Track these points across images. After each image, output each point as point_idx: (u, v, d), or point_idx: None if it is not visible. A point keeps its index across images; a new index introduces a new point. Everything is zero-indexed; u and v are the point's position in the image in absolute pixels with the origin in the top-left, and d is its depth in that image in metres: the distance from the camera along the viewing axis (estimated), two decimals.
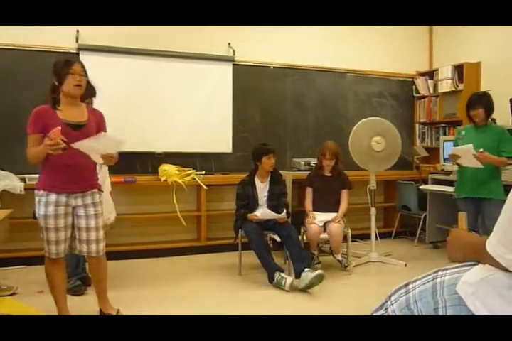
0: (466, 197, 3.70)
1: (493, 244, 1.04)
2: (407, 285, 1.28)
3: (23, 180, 3.84)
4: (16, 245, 3.94)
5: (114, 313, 2.83)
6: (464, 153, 3.53)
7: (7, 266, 3.91)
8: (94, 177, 2.75)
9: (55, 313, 2.74)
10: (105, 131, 2.70)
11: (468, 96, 3.80)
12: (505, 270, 1.03)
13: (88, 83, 2.70)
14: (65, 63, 2.53)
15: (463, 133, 3.83)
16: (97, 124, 2.69)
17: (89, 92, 2.87)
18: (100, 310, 2.87)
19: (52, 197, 2.54)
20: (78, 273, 3.40)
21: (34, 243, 4.09)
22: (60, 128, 2.37)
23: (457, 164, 3.73)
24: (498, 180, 3.63)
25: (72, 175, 2.57)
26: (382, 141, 4.24)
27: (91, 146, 2.44)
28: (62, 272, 2.74)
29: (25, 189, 3.71)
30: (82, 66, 2.59)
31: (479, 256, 1.10)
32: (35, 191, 2.60)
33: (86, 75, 2.60)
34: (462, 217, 1.43)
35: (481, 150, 3.44)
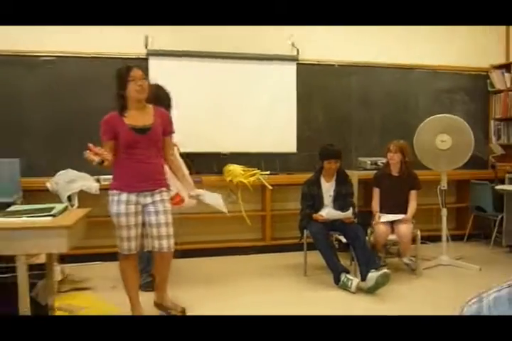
0: None
1: None
2: (480, 294, 1.21)
3: (98, 180, 4.05)
4: (92, 242, 4.15)
5: (173, 307, 2.94)
6: None
7: (84, 261, 4.14)
8: (163, 177, 2.87)
9: (127, 307, 2.87)
10: (171, 131, 2.88)
11: None
12: None
13: (164, 91, 2.95)
14: (125, 71, 2.68)
15: None
16: (163, 126, 2.81)
17: (164, 100, 3.08)
18: (156, 303, 2.98)
19: (124, 196, 2.70)
20: (149, 270, 3.53)
21: (109, 240, 4.28)
22: (91, 144, 2.49)
23: None
24: None
25: (142, 175, 2.72)
26: (448, 139, 4.04)
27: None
28: (135, 268, 2.88)
29: (100, 189, 3.91)
30: (141, 69, 2.73)
31: None
32: (109, 191, 2.77)
33: (147, 78, 2.75)
34: None
35: None
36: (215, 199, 3.16)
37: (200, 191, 3.08)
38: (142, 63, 4.43)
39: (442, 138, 4.07)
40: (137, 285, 2.94)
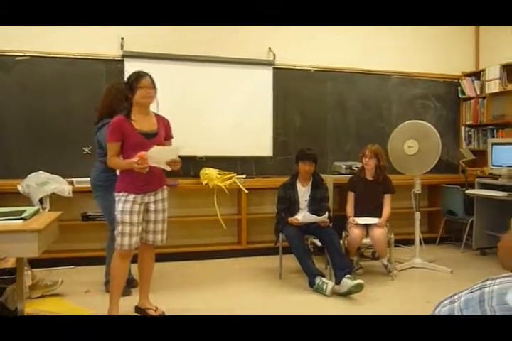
0: None
1: None
2: (452, 295, 1.24)
3: (71, 183, 3.98)
4: (64, 246, 4.08)
5: (154, 310, 3.00)
6: None
7: (56, 266, 4.05)
8: (164, 176, 3.00)
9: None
10: (172, 137, 3.05)
11: None
12: None
13: None
14: (136, 78, 2.82)
15: None
16: (165, 131, 2.96)
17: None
18: (138, 307, 3.02)
19: (131, 196, 2.82)
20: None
21: (82, 244, 4.25)
22: (145, 153, 2.67)
23: None
24: None
25: (147, 179, 2.82)
26: (415, 144, 4.14)
27: (155, 157, 2.73)
28: (128, 266, 2.96)
29: (73, 192, 3.85)
30: (151, 78, 2.85)
31: None
32: (115, 193, 2.86)
33: (155, 87, 2.86)
34: None
35: None
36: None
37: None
38: (117, 65, 4.41)
39: (410, 144, 4.17)
40: (122, 286, 2.96)
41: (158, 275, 3.63)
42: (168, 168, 2.82)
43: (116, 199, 2.85)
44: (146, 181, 2.83)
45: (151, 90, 2.83)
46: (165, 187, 3.01)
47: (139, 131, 2.82)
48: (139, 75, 2.83)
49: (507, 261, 1.17)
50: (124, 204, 2.80)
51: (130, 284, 3.49)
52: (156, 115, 2.97)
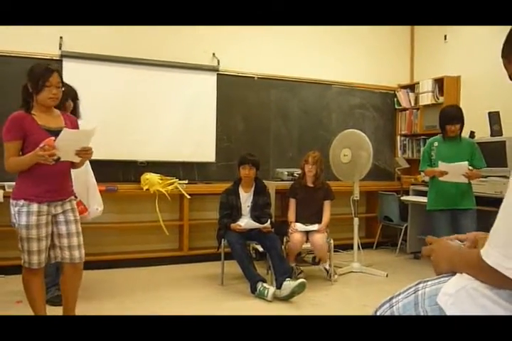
0: (442, 209, 3.78)
1: (494, 256, 0.98)
2: (391, 299, 1.29)
3: (2, 187, 3.78)
4: None
5: None
6: (454, 169, 3.58)
7: None
8: (71, 184, 2.72)
9: None
10: None
11: (444, 110, 3.87)
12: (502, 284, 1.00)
13: (67, 85, 2.74)
14: (43, 73, 2.45)
15: (435, 144, 3.90)
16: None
17: (69, 94, 2.95)
18: None
19: (34, 206, 2.48)
20: (58, 283, 3.33)
21: (12, 252, 4.02)
22: (53, 138, 2.34)
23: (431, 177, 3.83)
24: (472, 191, 3.80)
25: (53, 184, 2.54)
26: (349, 153, 4.30)
27: (64, 145, 2.37)
28: (42, 282, 2.69)
29: (3, 196, 3.65)
30: (59, 76, 2.52)
31: (472, 269, 1.07)
32: (13, 201, 2.51)
33: (62, 86, 2.55)
34: (485, 240, 1.14)
35: (470, 168, 3.57)
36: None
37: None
38: (55, 65, 4.23)
39: (345, 153, 4.33)
40: (44, 301, 2.74)
41: (93, 283, 3.51)
42: (78, 160, 2.49)
43: (16, 209, 2.48)
44: (52, 188, 2.51)
45: (57, 90, 2.48)
46: (73, 197, 2.69)
47: (43, 127, 2.47)
48: (46, 71, 2.45)
49: (439, 264, 1.23)
50: (28, 217, 2.46)
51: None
52: (62, 113, 2.65)
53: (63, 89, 2.58)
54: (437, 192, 3.85)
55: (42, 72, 2.46)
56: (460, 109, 3.81)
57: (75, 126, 2.70)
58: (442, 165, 3.64)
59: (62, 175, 2.59)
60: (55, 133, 2.45)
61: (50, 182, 2.52)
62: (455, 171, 3.57)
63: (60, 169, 2.55)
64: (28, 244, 2.49)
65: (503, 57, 1.12)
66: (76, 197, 2.80)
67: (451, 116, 3.73)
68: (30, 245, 2.49)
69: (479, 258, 1.02)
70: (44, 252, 2.55)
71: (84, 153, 2.47)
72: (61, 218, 2.60)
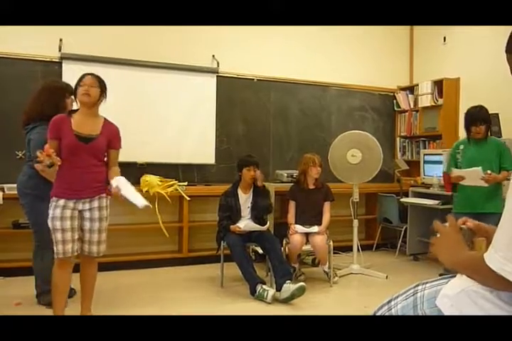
0: (467, 213, 3.67)
1: (497, 260, 0.97)
2: (389, 301, 1.29)
3: (2, 189, 3.78)
4: None
5: None
6: (470, 175, 3.53)
7: None
8: (103, 183, 2.84)
9: None
10: (119, 147, 2.90)
11: (468, 111, 3.73)
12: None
13: (63, 83, 3.05)
14: (80, 78, 2.79)
15: (461, 147, 3.80)
16: (108, 139, 2.81)
17: (67, 89, 3.18)
18: None
19: (61, 201, 2.69)
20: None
21: (13, 254, 4.02)
22: (52, 150, 2.48)
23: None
24: (500, 194, 3.60)
25: (80, 184, 2.71)
26: (358, 153, 4.28)
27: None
28: (69, 275, 2.80)
29: (3, 198, 3.65)
30: (95, 77, 2.79)
31: (476, 274, 1.05)
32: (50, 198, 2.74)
33: (99, 86, 2.79)
34: (482, 243, 1.16)
35: (489, 172, 3.46)
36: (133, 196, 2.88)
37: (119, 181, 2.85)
38: (55, 67, 4.25)
39: (353, 153, 4.29)
40: (66, 294, 2.85)
41: (96, 285, 3.50)
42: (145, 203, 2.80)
43: (49, 205, 2.72)
44: (80, 186, 2.71)
45: (89, 88, 2.72)
46: (104, 195, 2.83)
47: (75, 132, 2.69)
48: (83, 75, 2.80)
49: (441, 252, 1.15)
50: (54, 210, 2.68)
51: (68, 294, 3.34)
52: (106, 121, 2.86)
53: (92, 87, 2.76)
54: (462, 195, 3.76)
55: (80, 77, 2.80)
56: (484, 110, 3.66)
57: (112, 135, 2.85)
58: (456, 171, 3.62)
59: (90, 178, 2.76)
60: (85, 139, 2.70)
61: (76, 183, 2.71)
62: (471, 176, 3.51)
63: (89, 174, 2.75)
64: (54, 235, 2.69)
65: (507, 51, 1.09)
66: (110, 195, 2.87)
67: (475, 117, 3.62)
68: (55, 235, 2.68)
69: (483, 262, 1.00)
70: (69, 243, 2.70)
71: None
72: (87, 215, 2.77)
